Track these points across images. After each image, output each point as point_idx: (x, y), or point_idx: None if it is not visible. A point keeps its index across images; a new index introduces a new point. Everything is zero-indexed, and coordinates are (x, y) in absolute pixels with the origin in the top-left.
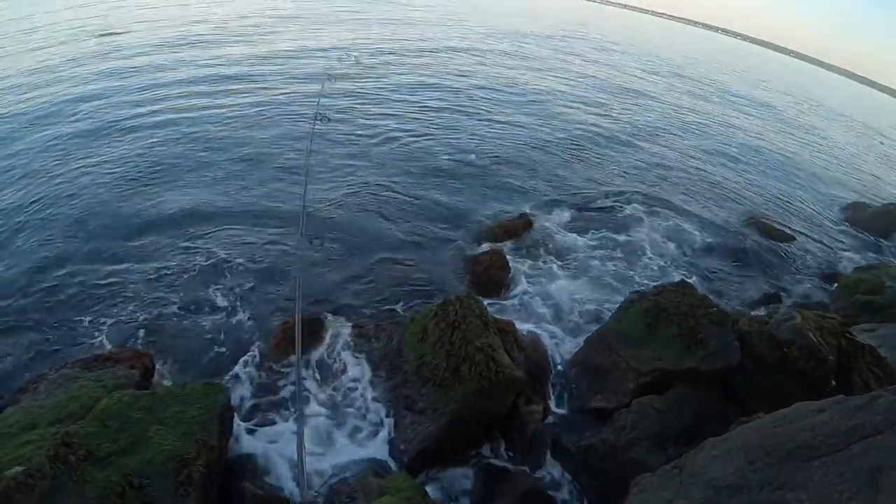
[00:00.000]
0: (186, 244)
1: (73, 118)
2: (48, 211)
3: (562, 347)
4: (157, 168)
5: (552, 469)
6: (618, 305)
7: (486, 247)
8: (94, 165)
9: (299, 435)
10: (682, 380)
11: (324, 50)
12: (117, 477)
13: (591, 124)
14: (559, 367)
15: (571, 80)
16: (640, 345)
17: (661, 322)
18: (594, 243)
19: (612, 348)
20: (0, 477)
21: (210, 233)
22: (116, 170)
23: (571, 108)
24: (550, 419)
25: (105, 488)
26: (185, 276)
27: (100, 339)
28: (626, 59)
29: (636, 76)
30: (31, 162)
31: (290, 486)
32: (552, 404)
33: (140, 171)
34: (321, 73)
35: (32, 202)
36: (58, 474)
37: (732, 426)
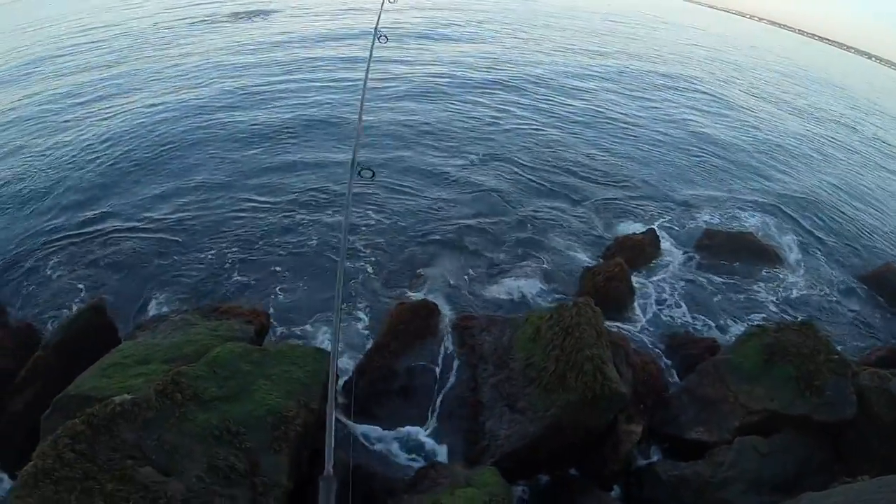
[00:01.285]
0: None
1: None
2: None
3: (672, 371)
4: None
5: (640, 493)
6: (737, 336)
7: (608, 256)
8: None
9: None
10: (791, 425)
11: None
12: (217, 421)
13: (743, 143)
14: (667, 391)
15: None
16: (753, 381)
17: (778, 361)
18: (722, 267)
19: (723, 380)
20: (108, 402)
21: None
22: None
23: (719, 124)
24: (647, 442)
25: (204, 429)
26: (315, 235)
27: (225, 288)
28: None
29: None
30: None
31: (382, 463)
32: (652, 427)
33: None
34: None
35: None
36: (162, 408)
37: (835, 484)
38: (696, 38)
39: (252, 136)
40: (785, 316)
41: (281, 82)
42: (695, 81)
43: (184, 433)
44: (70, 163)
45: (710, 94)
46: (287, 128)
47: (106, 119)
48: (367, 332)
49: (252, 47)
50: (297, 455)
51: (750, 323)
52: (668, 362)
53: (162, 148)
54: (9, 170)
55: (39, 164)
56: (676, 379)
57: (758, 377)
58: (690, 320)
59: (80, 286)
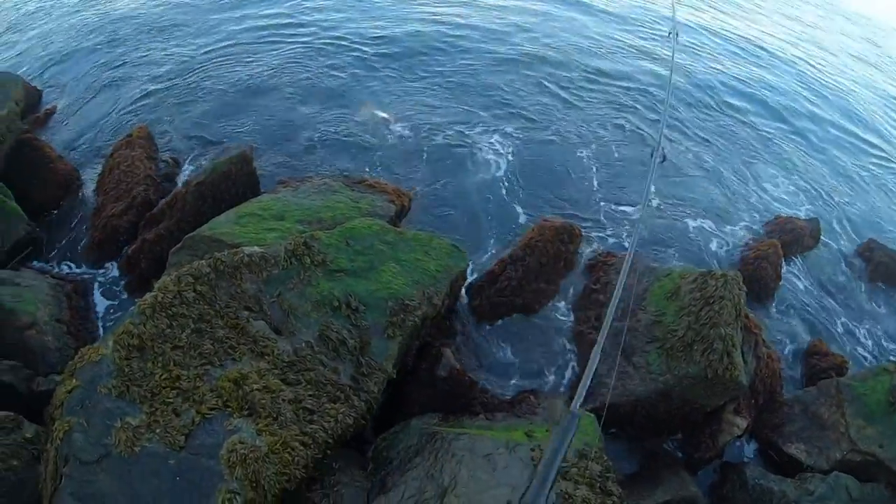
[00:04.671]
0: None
1: None
2: None
3: (793, 377)
4: None
5: (720, 488)
6: (873, 364)
7: (758, 235)
8: None
9: None
10: (889, 480)
11: None
12: (339, 293)
13: None
14: (781, 395)
15: None
16: (871, 420)
17: None
18: (879, 288)
19: (840, 406)
20: (237, 250)
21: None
22: None
23: None
24: (745, 439)
25: (325, 297)
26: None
27: (376, 160)
28: None
29: None
30: None
31: (487, 375)
32: (755, 426)
33: None
34: None
35: None
36: (288, 268)
37: None
38: None
39: None
40: None
41: None
42: None
43: (304, 297)
44: None
45: None
46: None
47: None
48: (507, 239)
49: None
50: (408, 346)
51: (889, 358)
52: (792, 365)
53: None
54: None
55: None
56: (797, 385)
57: (875, 417)
58: (826, 329)
59: (235, 128)
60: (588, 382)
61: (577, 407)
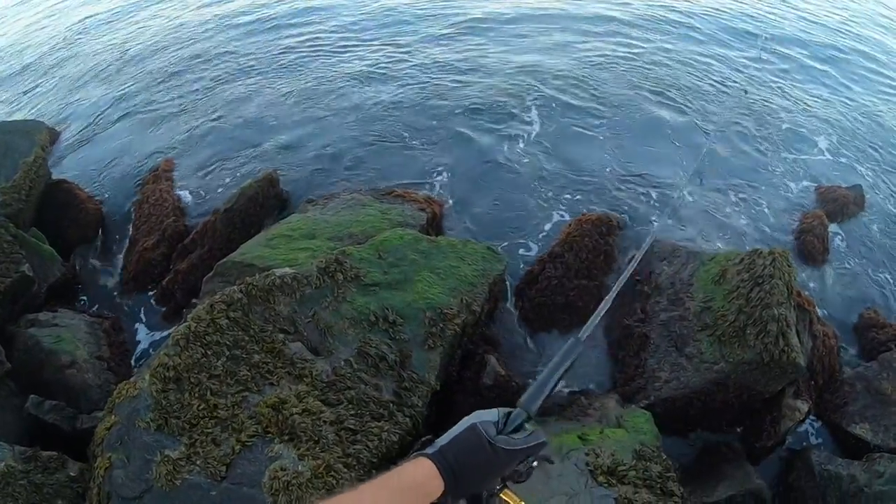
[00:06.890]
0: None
1: None
2: None
3: (852, 353)
4: None
5: (786, 477)
6: None
7: (801, 206)
8: None
9: None
10: None
11: None
12: (375, 307)
13: None
14: (841, 373)
15: None
16: None
17: None
18: None
19: None
20: (269, 273)
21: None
22: None
23: None
24: (808, 425)
25: (361, 313)
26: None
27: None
28: None
29: None
30: None
31: (531, 377)
32: (817, 409)
33: None
34: None
35: None
36: (321, 286)
37: None
38: None
39: None
40: None
41: None
42: None
43: (340, 314)
44: None
45: None
46: None
47: None
48: (546, 237)
49: None
50: (450, 356)
51: None
52: (849, 341)
53: None
54: None
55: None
56: (855, 362)
57: None
58: (882, 300)
59: (258, 152)
60: (597, 319)
61: (584, 336)
